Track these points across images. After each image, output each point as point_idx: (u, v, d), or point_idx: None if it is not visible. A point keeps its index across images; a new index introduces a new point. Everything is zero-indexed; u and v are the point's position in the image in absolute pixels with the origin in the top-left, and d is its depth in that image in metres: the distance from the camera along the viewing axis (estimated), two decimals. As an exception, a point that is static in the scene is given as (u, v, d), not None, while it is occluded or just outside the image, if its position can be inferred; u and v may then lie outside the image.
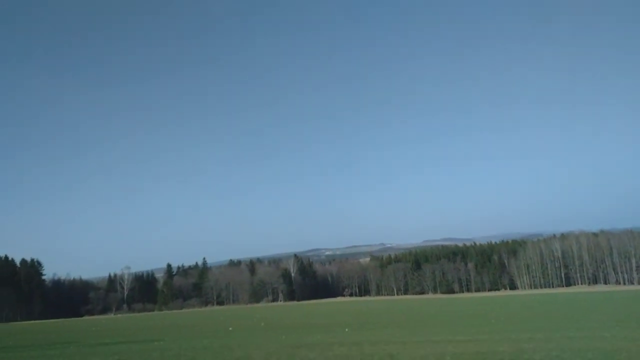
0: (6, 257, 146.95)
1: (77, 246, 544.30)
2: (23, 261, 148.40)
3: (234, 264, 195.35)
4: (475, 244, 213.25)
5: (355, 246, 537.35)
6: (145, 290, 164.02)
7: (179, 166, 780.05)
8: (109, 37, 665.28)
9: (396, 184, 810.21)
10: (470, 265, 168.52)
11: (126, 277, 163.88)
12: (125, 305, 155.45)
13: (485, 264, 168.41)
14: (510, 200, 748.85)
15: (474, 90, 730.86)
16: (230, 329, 35.81)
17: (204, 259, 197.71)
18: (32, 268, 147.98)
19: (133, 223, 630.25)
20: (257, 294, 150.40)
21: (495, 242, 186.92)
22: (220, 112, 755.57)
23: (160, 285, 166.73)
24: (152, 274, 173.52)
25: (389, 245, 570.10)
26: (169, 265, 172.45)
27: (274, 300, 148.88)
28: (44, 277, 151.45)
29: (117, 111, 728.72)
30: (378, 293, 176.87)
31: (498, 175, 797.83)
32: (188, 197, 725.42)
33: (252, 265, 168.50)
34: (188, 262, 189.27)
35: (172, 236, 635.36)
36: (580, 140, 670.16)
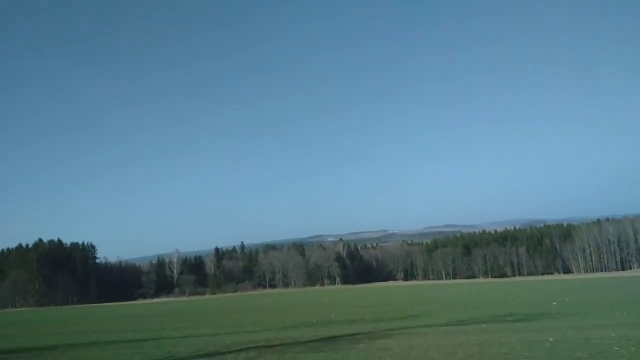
0: (59, 241, 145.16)
1: (117, 229, 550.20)
2: (76, 245, 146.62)
3: (270, 248, 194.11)
4: (514, 227, 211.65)
5: (357, 233, 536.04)
6: (194, 274, 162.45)
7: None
8: (125, 35, 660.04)
9: (397, 172, 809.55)
10: (522, 249, 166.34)
11: (176, 260, 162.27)
12: (177, 289, 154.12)
13: (537, 248, 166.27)
14: (510, 189, 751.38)
15: (472, 79, 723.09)
16: (554, 303, 33.07)
17: (242, 243, 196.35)
18: (86, 252, 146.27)
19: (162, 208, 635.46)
20: (312, 278, 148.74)
21: (545, 226, 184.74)
22: (233, 104, 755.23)
23: (209, 268, 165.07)
24: (200, 258, 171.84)
25: (391, 232, 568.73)
26: (217, 249, 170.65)
27: (331, 283, 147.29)
28: (97, 261, 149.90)
29: (152, 101, 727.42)
30: (425, 278, 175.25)
31: (500, 163, 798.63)
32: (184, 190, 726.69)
33: (302, 249, 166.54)
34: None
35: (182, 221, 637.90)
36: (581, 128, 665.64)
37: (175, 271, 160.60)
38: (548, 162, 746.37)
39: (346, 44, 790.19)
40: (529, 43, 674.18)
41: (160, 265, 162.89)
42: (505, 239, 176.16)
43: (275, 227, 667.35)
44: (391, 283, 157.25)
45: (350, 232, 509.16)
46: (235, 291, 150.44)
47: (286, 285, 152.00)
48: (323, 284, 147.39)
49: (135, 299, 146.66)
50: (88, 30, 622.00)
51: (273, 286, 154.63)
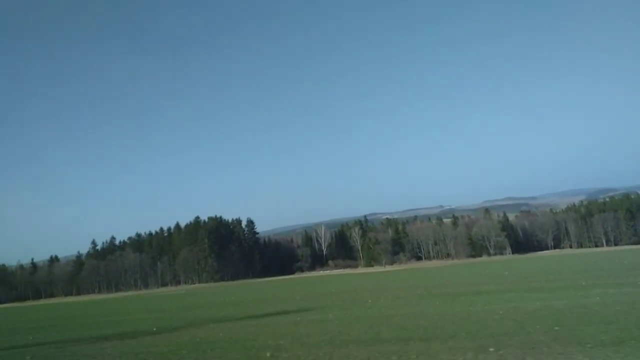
0: (221, 217, 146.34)
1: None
2: (237, 220, 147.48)
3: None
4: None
5: (413, 209, 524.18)
6: (340, 246, 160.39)
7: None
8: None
9: (452, 146, 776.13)
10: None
11: (323, 233, 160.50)
12: (331, 262, 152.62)
13: None
14: (570, 158, 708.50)
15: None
16: None
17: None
18: (248, 227, 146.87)
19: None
20: (475, 248, 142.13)
21: None
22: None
23: (353, 241, 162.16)
24: (342, 230, 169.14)
25: (448, 208, 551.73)
26: (360, 222, 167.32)
27: (497, 253, 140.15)
28: (257, 236, 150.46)
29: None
30: (579, 245, 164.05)
31: (555, 135, 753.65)
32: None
33: (455, 219, 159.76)
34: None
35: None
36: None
37: (323, 244, 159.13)
38: (609, 131, 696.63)
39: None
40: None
41: (308, 238, 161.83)
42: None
43: (330, 205, 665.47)
44: (556, 251, 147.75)
45: (405, 209, 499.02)
46: (392, 263, 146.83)
47: (445, 256, 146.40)
48: (489, 254, 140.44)
49: (293, 273, 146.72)
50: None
51: (429, 258, 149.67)
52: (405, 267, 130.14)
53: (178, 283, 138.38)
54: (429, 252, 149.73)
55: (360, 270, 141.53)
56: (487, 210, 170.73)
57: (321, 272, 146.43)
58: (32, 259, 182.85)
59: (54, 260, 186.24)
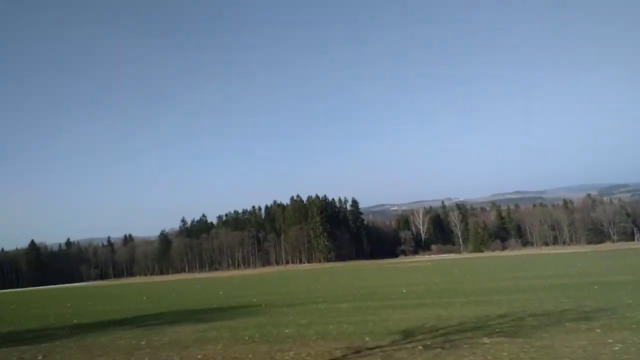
0: (325, 196, 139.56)
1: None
2: (344, 200, 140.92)
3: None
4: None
5: (420, 201, 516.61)
6: (438, 230, 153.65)
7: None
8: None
9: (460, 137, 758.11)
10: None
11: (421, 216, 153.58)
12: (433, 247, 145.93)
13: None
14: (578, 153, 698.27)
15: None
16: None
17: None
18: (353, 206, 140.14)
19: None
20: (598, 234, 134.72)
21: None
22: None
23: (452, 225, 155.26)
24: (438, 214, 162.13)
25: (456, 200, 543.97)
26: (457, 205, 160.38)
27: (622, 240, 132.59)
28: (362, 216, 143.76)
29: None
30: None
31: (567, 128, 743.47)
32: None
33: (565, 203, 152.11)
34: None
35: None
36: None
37: (422, 228, 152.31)
38: (619, 126, 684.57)
39: None
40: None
41: (404, 221, 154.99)
42: None
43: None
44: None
45: (413, 201, 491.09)
46: (503, 249, 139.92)
47: (561, 243, 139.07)
48: (613, 241, 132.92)
49: (397, 256, 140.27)
50: None
51: (541, 244, 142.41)
52: (528, 252, 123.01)
53: (286, 262, 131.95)
54: (541, 238, 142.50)
55: (468, 255, 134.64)
56: (588, 194, 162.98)
57: (426, 256, 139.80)
58: (109, 237, 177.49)
59: (128, 239, 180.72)
